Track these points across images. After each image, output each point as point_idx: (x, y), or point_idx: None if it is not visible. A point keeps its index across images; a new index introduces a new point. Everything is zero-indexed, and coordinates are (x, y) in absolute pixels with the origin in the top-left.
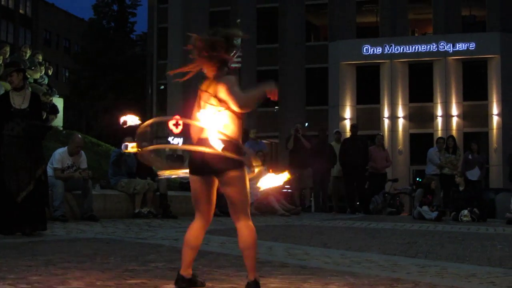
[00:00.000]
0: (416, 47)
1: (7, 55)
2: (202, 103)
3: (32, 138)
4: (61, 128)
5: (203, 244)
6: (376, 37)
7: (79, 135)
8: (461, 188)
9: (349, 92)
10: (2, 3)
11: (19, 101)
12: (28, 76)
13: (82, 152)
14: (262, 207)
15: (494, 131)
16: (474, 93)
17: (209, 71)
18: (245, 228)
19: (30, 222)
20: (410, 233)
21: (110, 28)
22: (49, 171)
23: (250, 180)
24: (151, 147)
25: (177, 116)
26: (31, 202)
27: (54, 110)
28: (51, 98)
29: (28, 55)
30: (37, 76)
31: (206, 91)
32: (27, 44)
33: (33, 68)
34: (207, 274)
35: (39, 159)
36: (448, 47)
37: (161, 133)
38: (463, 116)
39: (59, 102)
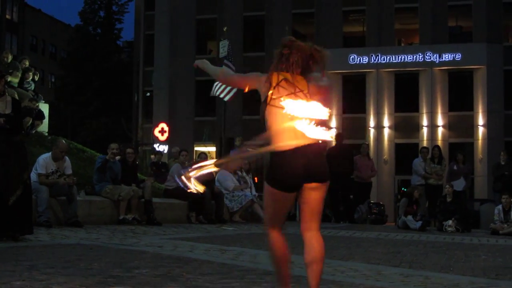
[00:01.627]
0: (403, 57)
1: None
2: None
3: (17, 142)
4: (46, 134)
5: (187, 251)
6: (362, 46)
7: (63, 141)
8: (449, 199)
9: (335, 101)
10: None
11: (2, 107)
12: (8, 80)
13: (67, 157)
14: (247, 215)
15: (480, 141)
16: (459, 103)
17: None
18: (316, 239)
19: (18, 226)
20: (395, 243)
21: (96, 34)
22: (33, 177)
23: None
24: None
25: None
26: (19, 206)
27: (40, 115)
28: (37, 104)
29: (10, 59)
30: (16, 80)
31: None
32: (8, 49)
33: (10, 71)
34: (191, 281)
35: (25, 163)
36: (434, 58)
37: (146, 140)
38: (448, 126)
39: (44, 107)
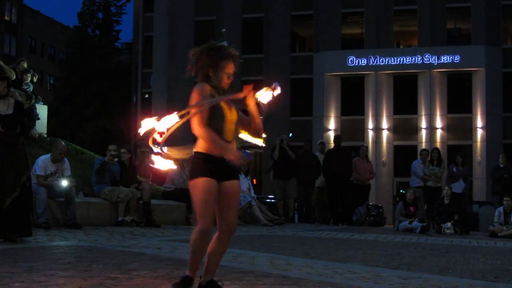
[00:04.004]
0: (401, 59)
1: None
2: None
3: (16, 143)
4: (45, 135)
5: (186, 253)
6: (361, 48)
7: (62, 142)
8: (446, 201)
9: (334, 103)
10: None
11: (4, 108)
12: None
13: (66, 159)
14: (245, 217)
15: (478, 144)
16: (458, 105)
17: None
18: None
19: (16, 228)
20: (393, 245)
21: (95, 36)
22: (32, 178)
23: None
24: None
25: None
26: (17, 208)
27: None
28: (29, 103)
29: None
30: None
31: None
32: None
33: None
34: None
35: (23, 165)
36: (433, 60)
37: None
38: (447, 128)
39: (43, 109)
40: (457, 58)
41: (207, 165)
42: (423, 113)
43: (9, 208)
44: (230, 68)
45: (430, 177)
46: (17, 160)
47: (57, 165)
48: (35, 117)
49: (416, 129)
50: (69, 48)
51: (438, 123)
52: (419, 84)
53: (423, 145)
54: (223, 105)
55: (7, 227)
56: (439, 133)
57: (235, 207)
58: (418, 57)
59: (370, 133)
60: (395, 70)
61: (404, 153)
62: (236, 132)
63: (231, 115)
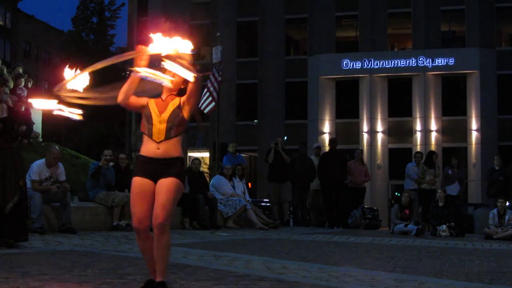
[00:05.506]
0: (396, 62)
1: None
2: None
3: (13, 148)
4: (40, 140)
5: (181, 257)
6: (355, 51)
7: (56, 147)
8: (440, 204)
9: (329, 106)
10: None
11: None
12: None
13: (60, 164)
14: (241, 221)
15: (473, 146)
16: (453, 108)
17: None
18: None
19: (14, 233)
20: (388, 248)
21: (89, 40)
22: (27, 183)
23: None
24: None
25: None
26: (15, 213)
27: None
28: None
29: None
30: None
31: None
32: None
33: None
34: (185, 287)
35: (21, 170)
36: (427, 62)
37: (139, 145)
38: (442, 131)
39: (38, 114)
40: (451, 61)
41: (142, 165)
42: (417, 115)
43: (9, 213)
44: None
45: (424, 180)
46: (16, 165)
47: (51, 169)
48: (31, 122)
49: (411, 132)
50: (64, 53)
51: (433, 125)
52: (413, 86)
53: (418, 148)
54: (152, 109)
55: (7, 232)
56: (433, 135)
57: (163, 201)
58: (412, 60)
59: (365, 136)
60: (390, 73)
61: (399, 156)
62: (173, 128)
63: (162, 116)
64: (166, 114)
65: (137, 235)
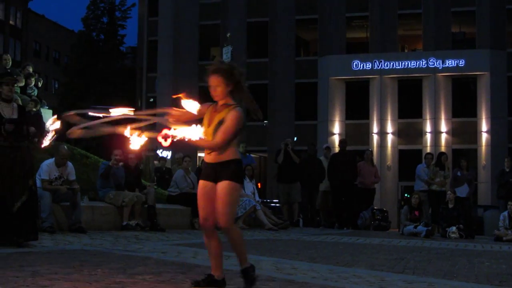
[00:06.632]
0: (406, 63)
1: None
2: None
3: (23, 148)
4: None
5: (191, 257)
6: (366, 52)
7: (65, 147)
8: (450, 206)
9: (338, 107)
10: None
11: (9, 112)
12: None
13: (69, 163)
14: (250, 221)
15: (483, 148)
16: (463, 109)
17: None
18: None
19: (23, 232)
20: (398, 249)
21: (99, 40)
22: (37, 183)
23: None
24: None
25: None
26: (24, 212)
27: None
28: (34, 109)
29: (9, 65)
30: (20, 84)
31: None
32: (7, 54)
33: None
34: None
35: (30, 169)
36: (438, 64)
37: (149, 145)
38: (452, 132)
39: (48, 113)
40: (462, 62)
41: (203, 169)
42: (427, 117)
43: (17, 212)
44: (210, 81)
45: (434, 181)
46: (24, 164)
47: (61, 169)
48: (43, 124)
49: (421, 133)
50: (74, 53)
51: (443, 127)
52: (423, 88)
53: (428, 149)
54: (206, 118)
55: (15, 231)
56: (444, 137)
57: (219, 208)
58: (422, 61)
59: (375, 137)
60: (400, 74)
61: (409, 157)
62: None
63: (208, 129)
64: (210, 129)
65: (203, 231)
